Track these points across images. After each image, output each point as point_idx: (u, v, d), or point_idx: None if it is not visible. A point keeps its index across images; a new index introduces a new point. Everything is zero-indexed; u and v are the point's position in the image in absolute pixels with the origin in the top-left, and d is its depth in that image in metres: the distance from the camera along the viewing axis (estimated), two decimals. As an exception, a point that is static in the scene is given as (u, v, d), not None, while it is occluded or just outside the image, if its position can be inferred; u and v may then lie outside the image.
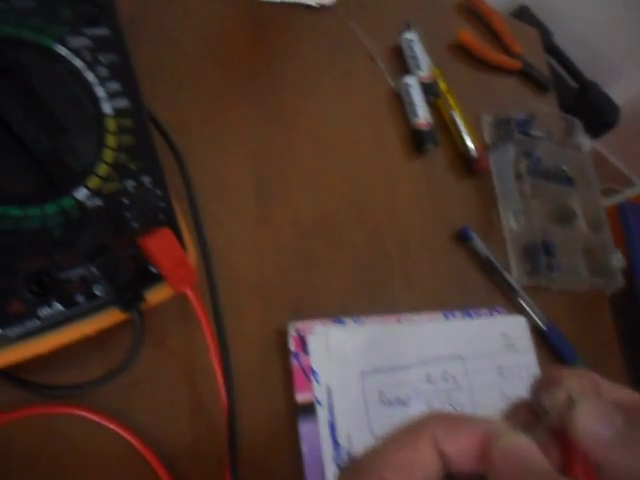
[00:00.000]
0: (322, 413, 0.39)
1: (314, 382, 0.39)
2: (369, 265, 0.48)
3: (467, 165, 0.60)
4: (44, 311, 0.28)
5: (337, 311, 0.44)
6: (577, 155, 0.66)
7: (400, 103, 0.58)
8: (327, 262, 0.46)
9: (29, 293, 0.27)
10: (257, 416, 0.38)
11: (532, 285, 0.56)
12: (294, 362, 0.39)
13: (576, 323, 0.60)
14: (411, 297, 0.49)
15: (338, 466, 0.37)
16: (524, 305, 0.55)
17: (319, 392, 0.39)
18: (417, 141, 0.56)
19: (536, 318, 0.55)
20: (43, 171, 0.28)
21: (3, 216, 0.27)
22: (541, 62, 0.78)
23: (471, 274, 0.54)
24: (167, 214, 0.33)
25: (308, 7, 0.55)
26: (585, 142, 0.66)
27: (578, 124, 0.68)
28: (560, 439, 0.20)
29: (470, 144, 0.59)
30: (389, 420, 0.40)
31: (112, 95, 0.31)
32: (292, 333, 0.40)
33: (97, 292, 0.30)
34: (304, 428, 0.38)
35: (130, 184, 0.31)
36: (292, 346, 0.40)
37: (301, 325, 0.41)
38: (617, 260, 0.61)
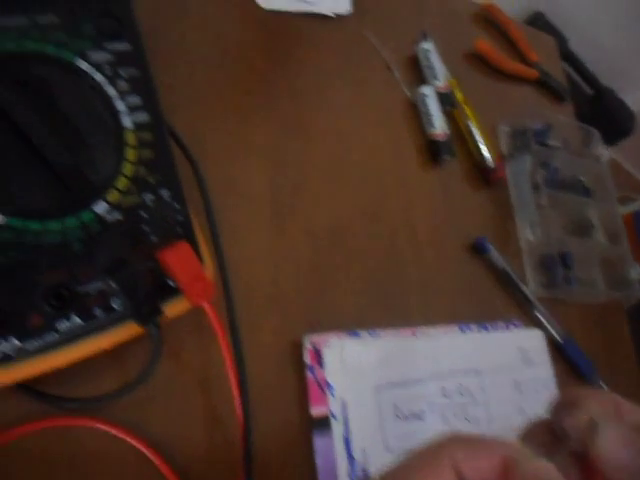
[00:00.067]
0: (337, 427, 0.38)
1: (329, 396, 0.39)
2: (384, 277, 0.48)
3: (483, 175, 0.59)
4: (63, 324, 0.28)
5: (352, 323, 0.43)
6: (595, 165, 0.66)
7: (416, 113, 0.58)
8: (343, 274, 0.46)
9: (48, 307, 0.28)
10: (272, 429, 0.37)
11: (548, 297, 0.56)
12: (309, 375, 0.39)
13: (592, 335, 0.59)
14: (426, 309, 0.48)
15: (353, 481, 0.37)
16: (540, 318, 0.54)
17: (334, 406, 0.39)
18: (433, 152, 0.56)
19: (553, 331, 0.54)
20: (63, 185, 0.29)
21: (23, 230, 0.27)
22: (558, 70, 0.77)
23: (487, 286, 0.54)
24: (185, 228, 0.33)
25: (325, 17, 0.56)
26: (603, 152, 0.65)
27: (596, 134, 0.67)
28: (581, 462, 0.20)
29: (486, 154, 0.59)
30: (404, 434, 0.40)
31: (132, 109, 0.32)
32: (307, 346, 0.40)
33: (115, 306, 0.30)
34: (319, 442, 0.38)
35: (149, 198, 0.31)
36: (307, 359, 0.40)
37: (316, 338, 0.41)
38: (635, 272, 0.61)
